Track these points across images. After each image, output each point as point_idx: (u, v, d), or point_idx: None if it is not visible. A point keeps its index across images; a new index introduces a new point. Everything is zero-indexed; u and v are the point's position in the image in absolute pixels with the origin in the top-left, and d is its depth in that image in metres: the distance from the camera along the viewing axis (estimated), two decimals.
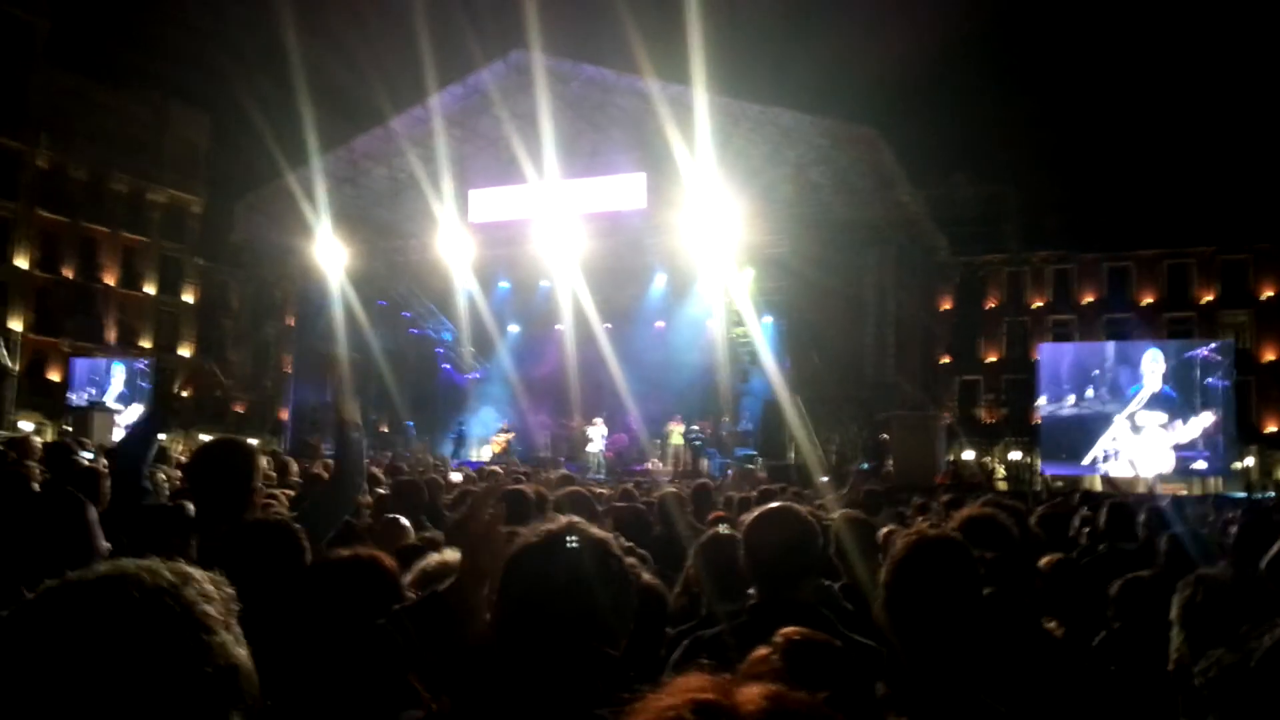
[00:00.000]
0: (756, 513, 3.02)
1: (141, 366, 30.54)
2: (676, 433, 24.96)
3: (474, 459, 26.31)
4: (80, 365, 31.80)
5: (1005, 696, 2.13)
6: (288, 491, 6.10)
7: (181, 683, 0.93)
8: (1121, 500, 6.21)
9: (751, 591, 2.90)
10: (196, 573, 1.04)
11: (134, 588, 0.97)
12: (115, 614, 0.94)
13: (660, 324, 29.15)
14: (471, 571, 1.79)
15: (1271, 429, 38.38)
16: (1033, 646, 2.48)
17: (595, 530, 1.78)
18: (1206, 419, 21.01)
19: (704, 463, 23.60)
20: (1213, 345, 22.56)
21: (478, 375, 31.71)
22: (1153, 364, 21.69)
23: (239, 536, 2.70)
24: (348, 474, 3.44)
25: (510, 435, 26.97)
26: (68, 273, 42.83)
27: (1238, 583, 2.27)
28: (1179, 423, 21.17)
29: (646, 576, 2.45)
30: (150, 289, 45.78)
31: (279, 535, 2.62)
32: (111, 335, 43.49)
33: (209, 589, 1.03)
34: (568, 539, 1.72)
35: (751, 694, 0.80)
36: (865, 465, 21.39)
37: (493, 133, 27.59)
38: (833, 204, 24.11)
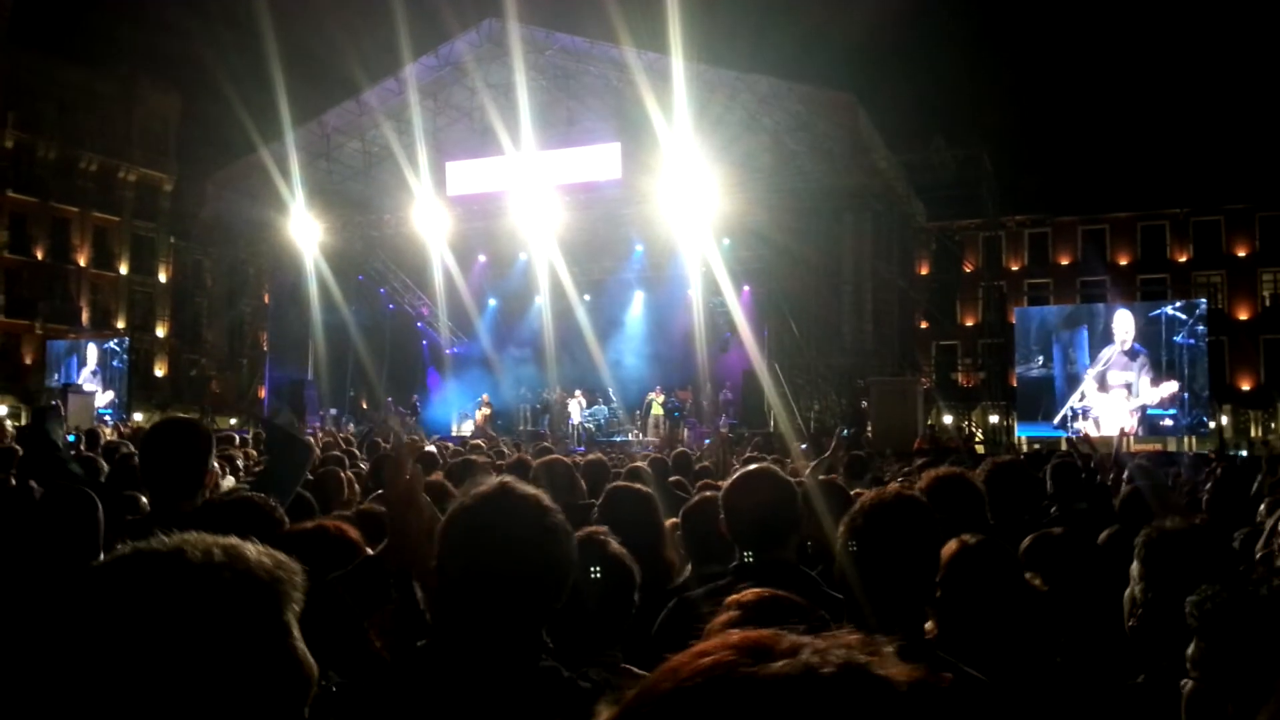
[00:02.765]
0: (736, 475, 3.02)
1: (114, 347, 30.25)
2: (657, 403, 25.00)
3: (454, 433, 26.28)
4: (55, 348, 31.47)
5: (979, 648, 2.15)
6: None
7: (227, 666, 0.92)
8: (1065, 460, 6.11)
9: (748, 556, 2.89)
10: (252, 549, 1.01)
11: (186, 563, 0.95)
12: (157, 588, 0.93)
13: (639, 294, 29.13)
14: (398, 534, 1.80)
15: (1245, 387, 38.84)
16: (1015, 599, 2.49)
17: (528, 487, 1.81)
18: (1172, 385, 21.28)
19: (684, 432, 23.67)
20: (1178, 304, 22.81)
21: (456, 350, 31.63)
22: (1122, 324, 21.95)
23: (212, 512, 2.69)
24: (289, 444, 3.67)
25: (490, 410, 26.90)
26: (39, 254, 42.26)
27: (1196, 534, 2.30)
28: (1146, 382, 21.44)
29: (614, 546, 2.46)
30: (123, 269, 45.24)
31: (252, 511, 2.62)
32: (85, 316, 43.00)
33: (279, 571, 1.00)
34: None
35: (794, 641, 0.77)
36: (845, 431, 21.51)
37: (467, 104, 27.31)
38: (810, 171, 24.02)
